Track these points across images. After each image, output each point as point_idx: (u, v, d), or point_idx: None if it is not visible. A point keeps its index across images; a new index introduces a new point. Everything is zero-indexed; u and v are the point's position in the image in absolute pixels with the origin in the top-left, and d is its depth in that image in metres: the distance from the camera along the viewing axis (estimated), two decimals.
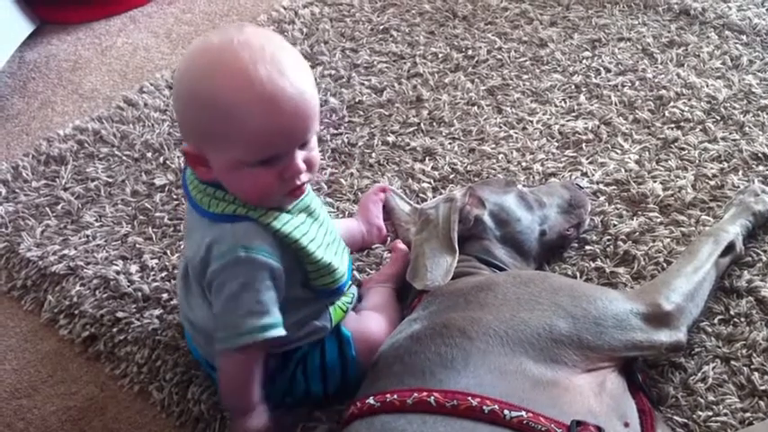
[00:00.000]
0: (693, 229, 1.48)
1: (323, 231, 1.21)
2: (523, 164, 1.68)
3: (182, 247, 1.58)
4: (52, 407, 1.39)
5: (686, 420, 1.20)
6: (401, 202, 1.58)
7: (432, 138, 1.79)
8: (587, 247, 1.48)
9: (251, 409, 1.18)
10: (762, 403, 1.21)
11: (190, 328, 1.29)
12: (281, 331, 1.13)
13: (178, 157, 1.80)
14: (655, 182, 1.59)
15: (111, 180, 1.78)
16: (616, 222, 1.52)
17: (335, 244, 1.25)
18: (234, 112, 1.03)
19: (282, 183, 1.10)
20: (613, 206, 1.55)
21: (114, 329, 1.46)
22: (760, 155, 1.62)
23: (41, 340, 1.50)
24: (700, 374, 1.25)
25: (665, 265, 1.42)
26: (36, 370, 1.45)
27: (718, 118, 1.73)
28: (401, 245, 1.47)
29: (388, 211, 1.58)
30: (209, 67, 1.04)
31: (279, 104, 1.03)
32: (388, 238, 1.55)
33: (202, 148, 1.09)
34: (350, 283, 1.33)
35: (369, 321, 1.30)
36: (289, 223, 1.14)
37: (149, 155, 1.83)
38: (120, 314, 1.47)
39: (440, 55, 2.04)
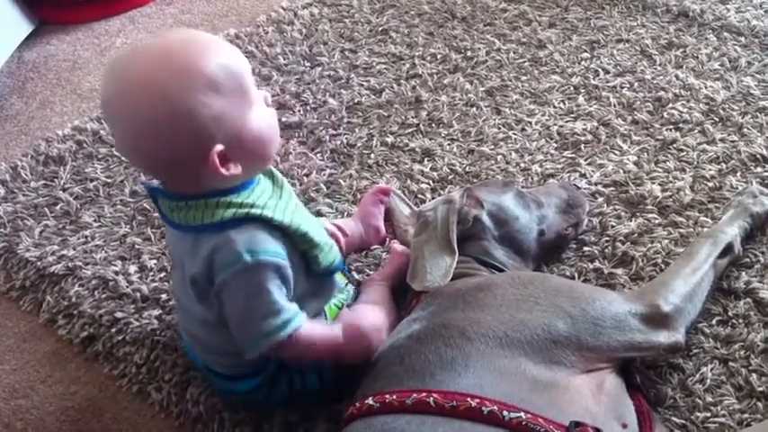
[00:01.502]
0: (692, 230, 1.48)
1: (301, 210, 1.23)
2: (522, 165, 1.68)
3: None
4: (51, 407, 1.39)
5: (684, 421, 1.20)
6: (401, 204, 1.58)
7: (430, 139, 1.79)
8: (586, 249, 1.48)
9: (353, 337, 1.21)
10: (760, 404, 1.21)
11: (189, 338, 1.29)
12: (300, 320, 1.14)
13: None
14: (653, 183, 1.59)
15: (109, 180, 1.78)
16: (614, 223, 1.52)
17: (312, 219, 1.26)
18: (240, 69, 1.10)
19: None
20: (612, 207, 1.55)
21: (113, 330, 1.46)
22: (758, 156, 1.62)
23: (40, 340, 1.50)
24: (698, 375, 1.25)
25: (663, 266, 1.42)
26: (35, 370, 1.45)
27: (717, 119, 1.73)
28: (400, 246, 1.47)
29: (387, 212, 1.58)
30: (175, 69, 1.05)
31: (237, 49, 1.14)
32: (387, 239, 1.55)
33: (228, 136, 1.09)
34: (346, 281, 1.34)
35: (363, 311, 1.28)
36: (284, 213, 1.15)
37: None
38: (118, 314, 1.48)
39: (439, 56, 2.04)
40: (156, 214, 1.66)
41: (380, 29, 2.17)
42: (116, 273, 1.55)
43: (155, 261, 1.57)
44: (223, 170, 1.09)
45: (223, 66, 1.08)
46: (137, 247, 1.61)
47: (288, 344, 1.14)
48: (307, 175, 1.72)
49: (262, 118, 1.14)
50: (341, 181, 1.70)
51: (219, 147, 1.08)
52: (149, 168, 1.16)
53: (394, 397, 1.04)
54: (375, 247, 1.54)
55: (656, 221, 1.52)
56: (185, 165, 1.09)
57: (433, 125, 1.83)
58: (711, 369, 1.26)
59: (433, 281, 1.27)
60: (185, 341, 1.34)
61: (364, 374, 1.19)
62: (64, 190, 1.77)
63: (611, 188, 1.60)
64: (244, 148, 1.11)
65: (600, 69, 1.93)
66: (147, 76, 1.05)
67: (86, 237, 1.65)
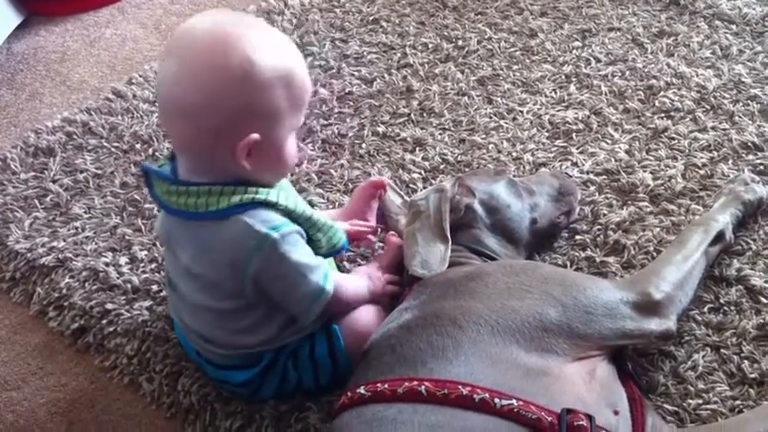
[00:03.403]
0: (683, 218, 1.48)
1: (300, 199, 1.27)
2: (514, 154, 1.68)
3: None
4: (42, 399, 1.39)
5: (676, 408, 1.21)
6: (392, 194, 1.57)
7: (422, 128, 1.79)
8: (577, 237, 1.48)
9: (369, 291, 1.32)
10: (751, 391, 1.21)
11: (182, 324, 1.29)
12: (329, 271, 1.21)
13: (167, 147, 1.80)
14: (645, 171, 1.59)
15: (99, 172, 1.78)
16: (606, 212, 1.52)
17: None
18: (306, 79, 1.16)
19: None
20: (603, 196, 1.55)
21: (104, 321, 1.46)
22: (749, 144, 1.62)
23: (31, 332, 1.50)
24: (690, 363, 1.26)
25: (654, 254, 1.42)
26: (25, 362, 1.45)
27: (708, 107, 1.73)
28: (395, 237, 1.47)
29: (379, 202, 1.58)
30: (272, 42, 1.12)
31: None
32: (378, 231, 1.54)
33: (267, 131, 1.12)
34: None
35: (358, 311, 1.30)
36: (287, 199, 1.18)
37: (138, 146, 1.82)
38: (109, 306, 1.47)
39: (430, 45, 2.04)
40: (148, 205, 1.66)
41: (371, 18, 2.16)
42: (106, 264, 1.55)
43: (145, 252, 1.56)
44: (240, 157, 1.11)
45: (304, 76, 1.15)
46: (127, 238, 1.60)
47: (334, 294, 1.21)
48: (298, 166, 1.71)
49: (294, 145, 1.19)
50: (332, 171, 1.70)
51: (256, 136, 1.11)
52: (186, 133, 1.13)
53: (386, 386, 1.04)
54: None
55: (648, 210, 1.51)
56: (221, 136, 1.10)
57: (425, 115, 1.83)
58: (703, 356, 1.26)
59: (430, 267, 1.27)
60: (178, 329, 1.34)
61: (357, 364, 1.19)
62: (54, 182, 1.76)
63: (603, 177, 1.60)
64: (269, 156, 1.15)
65: (591, 58, 1.92)
66: (246, 36, 1.09)
67: (77, 228, 1.64)
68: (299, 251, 1.16)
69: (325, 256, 1.24)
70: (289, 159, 1.18)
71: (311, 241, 1.21)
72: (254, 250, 1.12)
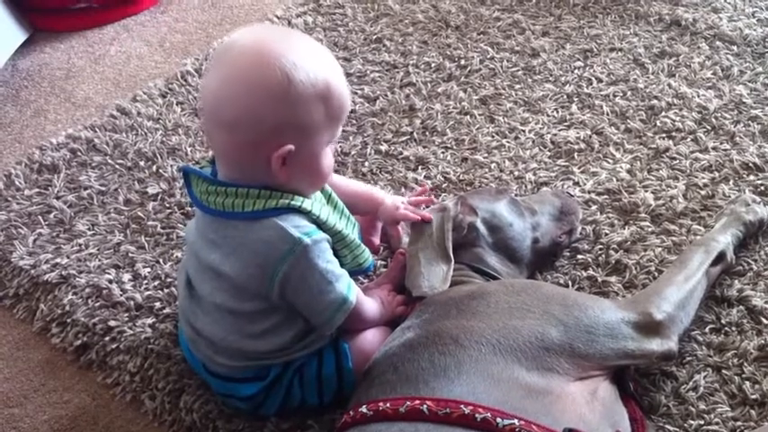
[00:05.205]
0: (684, 238, 1.49)
1: (344, 218, 1.29)
2: (516, 173, 1.69)
3: (174, 255, 1.58)
4: (44, 416, 1.39)
5: (677, 429, 1.21)
6: None
7: (424, 147, 1.80)
8: (579, 257, 1.48)
9: (380, 312, 1.32)
10: (753, 412, 1.21)
11: (192, 333, 1.28)
12: (352, 282, 1.23)
13: (171, 165, 1.80)
14: (646, 191, 1.60)
15: (103, 189, 1.78)
16: (608, 231, 1.52)
17: (354, 227, 1.31)
18: (344, 94, 1.18)
19: None
20: (605, 215, 1.56)
21: (106, 338, 1.46)
22: (750, 165, 1.63)
23: (33, 349, 1.50)
24: (691, 383, 1.26)
25: (656, 274, 1.42)
26: (28, 379, 1.45)
27: (709, 128, 1.74)
28: (403, 255, 1.47)
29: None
30: (311, 57, 1.13)
31: None
32: (380, 249, 1.55)
33: (302, 143, 1.15)
34: None
35: (366, 331, 1.31)
36: (322, 209, 1.21)
37: (142, 163, 1.83)
38: (112, 323, 1.47)
39: (432, 64, 2.05)
40: (150, 222, 1.66)
41: (374, 37, 2.17)
42: (110, 281, 1.55)
43: (148, 269, 1.57)
44: (275, 167, 1.14)
45: (342, 92, 1.17)
46: (130, 255, 1.61)
47: (355, 307, 1.22)
48: None
49: (330, 157, 1.22)
50: None
51: (291, 147, 1.13)
52: (225, 144, 1.16)
53: (387, 405, 1.04)
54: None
55: (650, 229, 1.52)
56: (258, 147, 1.13)
57: (427, 133, 1.84)
58: (705, 377, 1.27)
59: (432, 286, 1.27)
60: (184, 343, 1.34)
61: (359, 382, 1.19)
62: (58, 198, 1.77)
63: (605, 196, 1.60)
64: (304, 167, 1.17)
65: (593, 78, 1.93)
66: (286, 53, 1.11)
67: (80, 245, 1.65)
68: (328, 259, 1.18)
69: (349, 273, 1.25)
70: (323, 171, 1.21)
71: (336, 256, 1.22)
72: (286, 253, 1.14)
